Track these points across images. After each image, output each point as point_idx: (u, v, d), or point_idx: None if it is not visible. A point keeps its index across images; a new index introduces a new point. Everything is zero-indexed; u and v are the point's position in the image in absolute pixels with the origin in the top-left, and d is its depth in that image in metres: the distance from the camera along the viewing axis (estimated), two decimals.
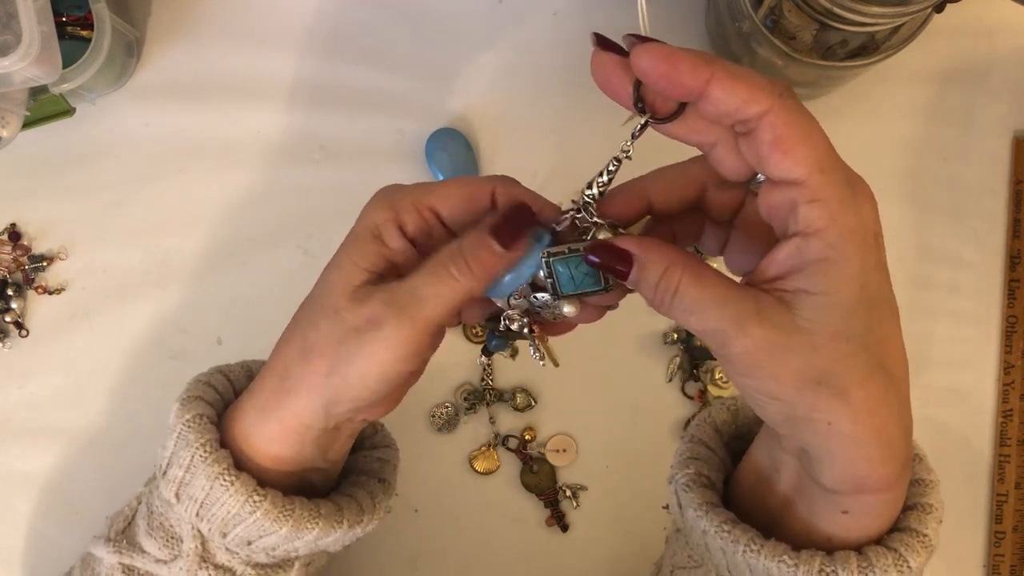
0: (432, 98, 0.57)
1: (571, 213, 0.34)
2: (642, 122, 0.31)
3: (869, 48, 0.50)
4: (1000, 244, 0.57)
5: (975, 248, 0.57)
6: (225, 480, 0.37)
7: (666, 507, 0.39)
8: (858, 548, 0.33)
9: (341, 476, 0.43)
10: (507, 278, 0.35)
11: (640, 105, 0.30)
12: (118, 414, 0.56)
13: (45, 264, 0.56)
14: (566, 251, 0.33)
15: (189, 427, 0.38)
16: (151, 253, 0.57)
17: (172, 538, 0.39)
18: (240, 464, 0.38)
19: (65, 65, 0.49)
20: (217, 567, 0.39)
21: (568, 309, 0.34)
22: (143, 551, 0.40)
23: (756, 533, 0.34)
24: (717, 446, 0.39)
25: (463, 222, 0.36)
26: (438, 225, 0.36)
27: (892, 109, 0.58)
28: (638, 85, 0.30)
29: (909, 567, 0.33)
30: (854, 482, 0.31)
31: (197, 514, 0.38)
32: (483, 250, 0.34)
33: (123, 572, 0.40)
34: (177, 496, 0.38)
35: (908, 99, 0.58)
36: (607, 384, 0.56)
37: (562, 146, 0.57)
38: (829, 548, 0.33)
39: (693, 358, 0.56)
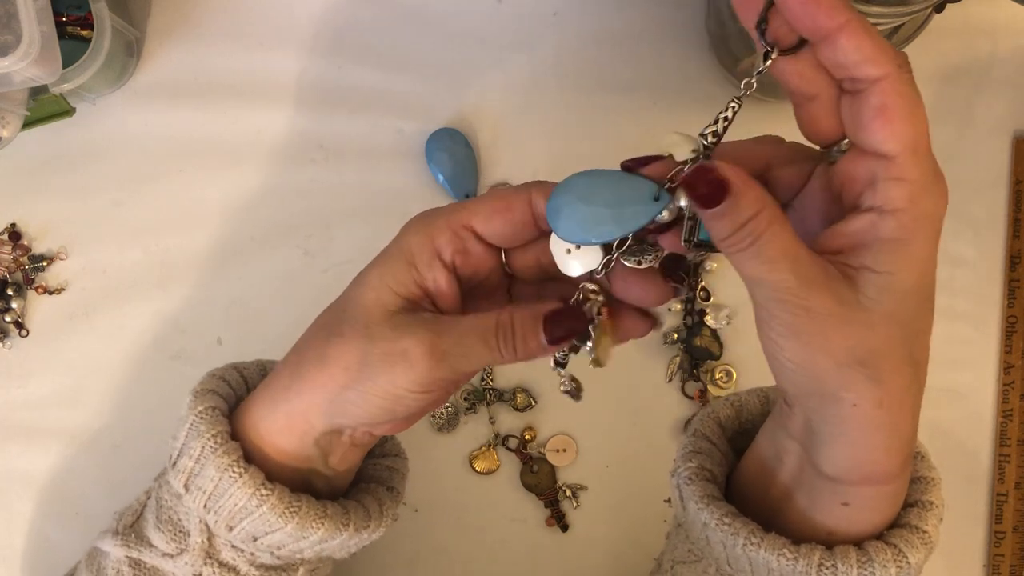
0: (432, 98, 0.57)
1: (690, 165, 0.32)
2: (762, 55, 0.30)
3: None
4: (1000, 244, 0.57)
5: (975, 248, 0.57)
6: (234, 472, 0.37)
7: (667, 501, 0.40)
8: (858, 543, 0.33)
9: (350, 484, 0.43)
10: (609, 228, 0.33)
11: (762, 28, 0.29)
12: (118, 414, 0.56)
13: (45, 264, 0.56)
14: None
15: (201, 418, 0.38)
16: (151, 253, 0.57)
17: (180, 531, 0.40)
18: (249, 457, 0.38)
19: (65, 65, 0.49)
20: (222, 565, 0.39)
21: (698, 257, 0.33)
22: (151, 545, 0.40)
23: (756, 526, 0.34)
24: (720, 441, 0.39)
25: (503, 235, 0.36)
26: (476, 243, 0.36)
27: None
28: (770, 5, 0.29)
29: (908, 563, 0.33)
30: (859, 470, 0.32)
31: (205, 505, 0.38)
32: (531, 339, 0.34)
33: (130, 566, 0.40)
34: (186, 487, 0.38)
35: None
36: (607, 384, 0.56)
37: (562, 146, 0.57)
38: (829, 542, 0.33)
39: (693, 358, 0.56)
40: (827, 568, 0.32)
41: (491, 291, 0.38)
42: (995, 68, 0.58)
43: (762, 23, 0.29)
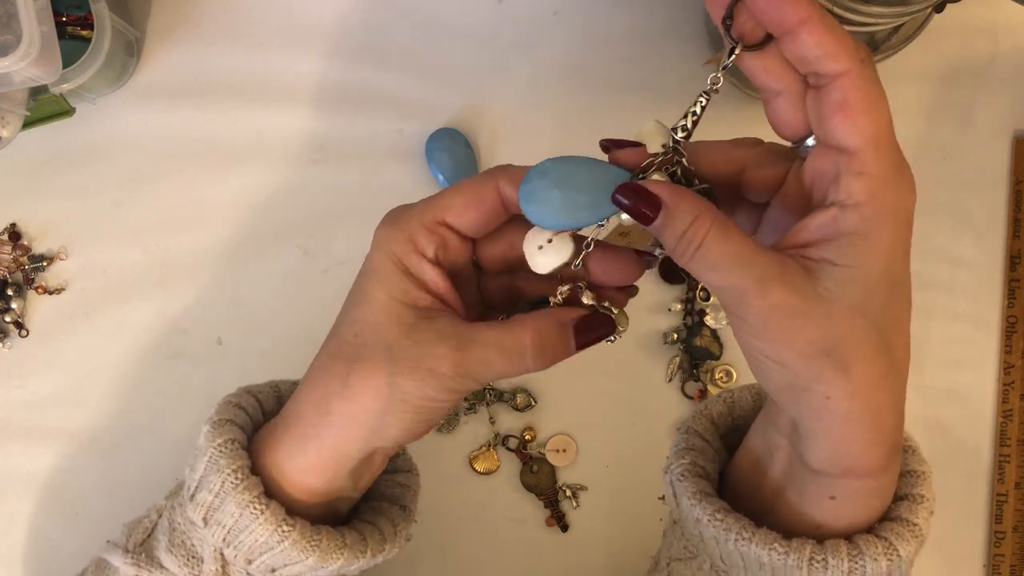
0: (432, 98, 0.57)
1: (660, 158, 0.33)
2: (728, 50, 0.31)
3: (869, 48, 0.50)
4: (1000, 244, 0.57)
5: (975, 248, 0.57)
6: (256, 509, 0.37)
7: (662, 498, 0.40)
8: (848, 537, 0.33)
9: (361, 500, 0.43)
10: (583, 215, 0.33)
11: (727, 25, 0.30)
12: (118, 414, 0.56)
13: (45, 264, 0.56)
14: None
15: (221, 452, 0.38)
16: (151, 253, 0.57)
17: (193, 557, 0.39)
18: (270, 492, 0.38)
19: (65, 65, 0.49)
20: None
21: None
22: (162, 566, 0.40)
23: (748, 522, 0.34)
24: (712, 438, 0.40)
25: (477, 225, 0.36)
26: (453, 237, 0.36)
27: (892, 109, 0.58)
28: (735, 1, 0.30)
29: (899, 556, 0.33)
30: (841, 463, 0.32)
31: (224, 539, 0.38)
32: (561, 350, 0.35)
33: None
34: (205, 520, 0.38)
35: (908, 99, 0.58)
36: (607, 384, 0.56)
37: (562, 146, 0.57)
38: (819, 537, 0.33)
39: (693, 358, 0.56)
40: (818, 561, 0.32)
41: (464, 283, 0.38)
42: (995, 68, 0.58)
43: (727, 19, 0.30)
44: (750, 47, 0.30)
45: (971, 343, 0.57)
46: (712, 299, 0.56)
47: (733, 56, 0.31)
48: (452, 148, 0.56)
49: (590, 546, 0.56)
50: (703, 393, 0.56)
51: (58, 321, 0.56)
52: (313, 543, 0.37)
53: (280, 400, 0.42)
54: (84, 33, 0.51)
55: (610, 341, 0.36)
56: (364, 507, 0.43)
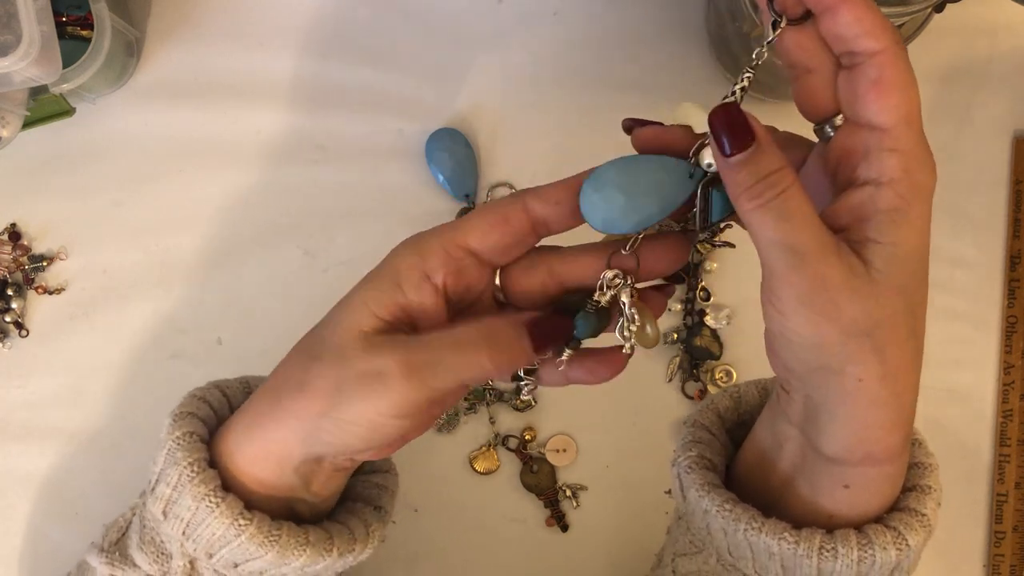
0: (432, 98, 0.57)
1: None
2: (771, 23, 0.31)
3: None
4: (1000, 244, 0.57)
5: (975, 248, 0.57)
6: (211, 502, 0.36)
7: (668, 492, 0.40)
8: (858, 526, 0.33)
9: (338, 501, 0.42)
10: (651, 212, 0.32)
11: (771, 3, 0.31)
12: (118, 414, 0.56)
13: (45, 264, 0.56)
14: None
15: (179, 444, 0.37)
16: (151, 253, 0.57)
17: (162, 554, 0.39)
18: (228, 485, 0.37)
19: (65, 65, 0.49)
20: None
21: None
22: (134, 565, 0.39)
23: (757, 512, 0.34)
24: (719, 432, 0.40)
25: (501, 248, 0.34)
26: (471, 261, 0.35)
27: None
28: None
29: (908, 545, 0.33)
30: (860, 448, 0.32)
31: (183, 533, 0.37)
32: (516, 348, 0.34)
33: None
34: (164, 514, 0.37)
35: None
36: (607, 384, 0.56)
37: (562, 146, 0.57)
38: (829, 526, 0.34)
39: (693, 358, 0.56)
40: (828, 551, 0.33)
41: (480, 312, 0.37)
42: (995, 68, 0.58)
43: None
44: (792, 22, 0.31)
45: (971, 343, 0.57)
46: (712, 299, 0.56)
47: (778, 31, 0.31)
48: (452, 148, 0.56)
49: (590, 546, 0.56)
50: (703, 393, 0.56)
51: (58, 321, 0.56)
52: (272, 538, 0.36)
53: (249, 395, 0.41)
54: (84, 33, 0.51)
55: (646, 346, 0.35)
56: (339, 508, 0.42)
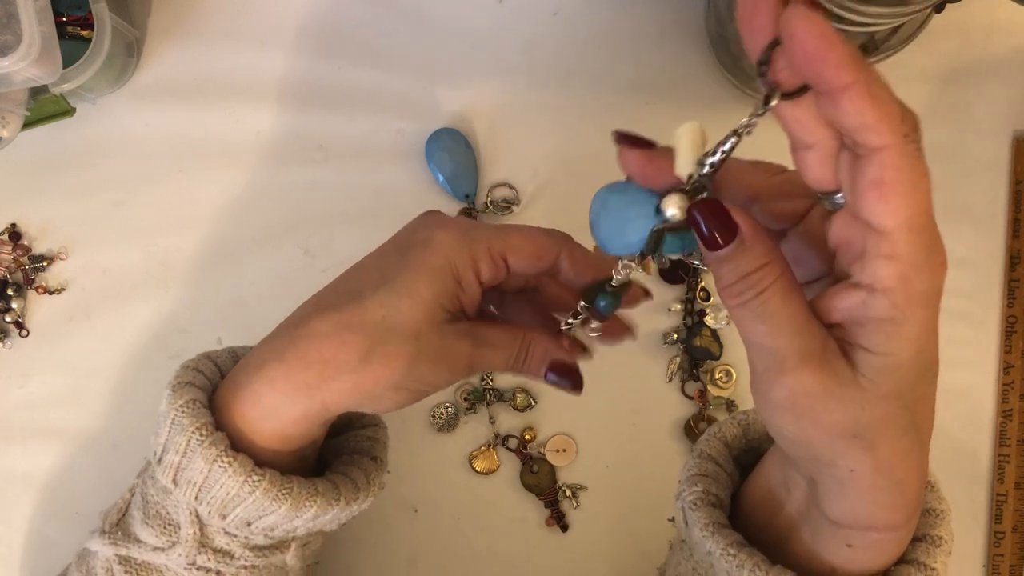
0: (432, 98, 0.57)
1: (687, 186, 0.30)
2: (764, 97, 0.27)
3: (869, 48, 0.50)
4: (1000, 244, 0.57)
5: (975, 248, 0.57)
6: (224, 461, 0.37)
7: (671, 520, 0.39)
8: None
9: (332, 456, 0.44)
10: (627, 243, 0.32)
11: (763, 67, 0.27)
12: (118, 414, 0.56)
13: (45, 264, 0.56)
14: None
15: (183, 412, 0.38)
16: (151, 253, 0.57)
17: (169, 525, 0.40)
18: (235, 445, 0.38)
19: (65, 65, 0.49)
20: (216, 551, 0.40)
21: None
22: (139, 540, 0.40)
23: (762, 558, 0.33)
24: (726, 462, 0.39)
25: (527, 273, 0.40)
26: (504, 268, 0.39)
27: None
28: (774, 44, 0.26)
29: None
30: (860, 522, 0.31)
31: (196, 497, 0.38)
32: (535, 369, 0.41)
33: (120, 563, 0.40)
34: (175, 481, 0.38)
35: (908, 99, 0.57)
36: (607, 384, 0.56)
37: (562, 146, 0.57)
38: None
39: (693, 358, 0.56)
40: None
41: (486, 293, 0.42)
42: (995, 68, 0.58)
43: (763, 63, 0.27)
44: (787, 95, 0.27)
45: (971, 343, 0.57)
46: (712, 299, 0.56)
47: (768, 106, 0.27)
48: (452, 148, 0.56)
49: (590, 546, 0.56)
50: (703, 393, 0.56)
51: (58, 321, 0.56)
52: (284, 491, 0.38)
53: (236, 363, 0.43)
54: (84, 33, 0.51)
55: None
56: (335, 461, 0.44)
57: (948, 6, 0.45)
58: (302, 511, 0.38)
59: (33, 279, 0.56)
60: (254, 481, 0.37)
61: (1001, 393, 0.56)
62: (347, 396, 0.38)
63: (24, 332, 0.56)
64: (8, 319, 0.56)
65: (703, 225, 0.28)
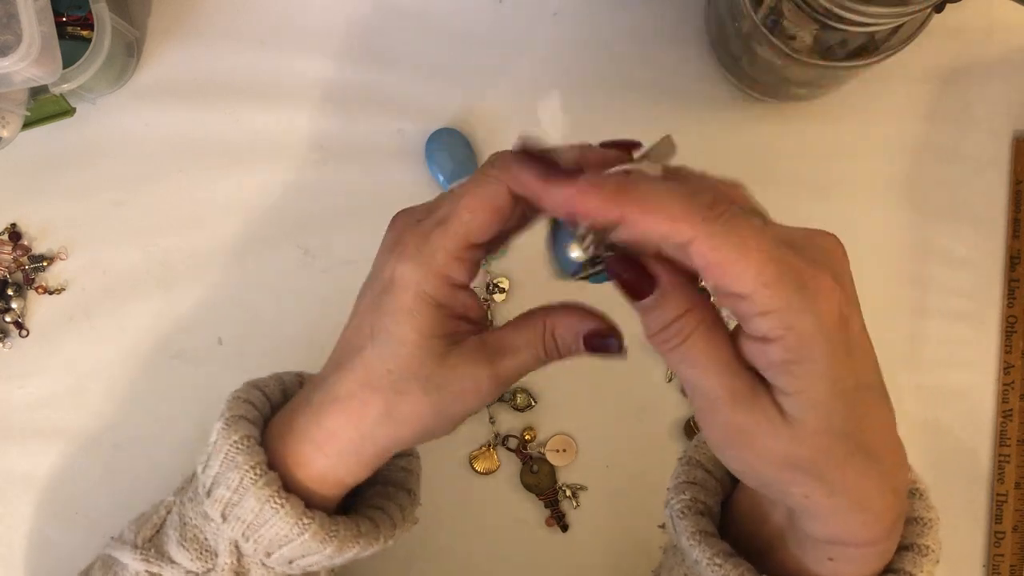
0: (432, 98, 0.57)
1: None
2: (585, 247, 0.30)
3: (869, 48, 0.50)
4: (1000, 244, 0.57)
5: (975, 248, 0.57)
6: (276, 503, 0.37)
7: (662, 526, 0.39)
8: None
9: (367, 484, 0.43)
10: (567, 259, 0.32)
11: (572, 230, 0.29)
12: (118, 414, 0.56)
13: (45, 264, 0.56)
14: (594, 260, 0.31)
15: (238, 449, 0.38)
16: (151, 253, 0.57)
17: (206, 551, 0.39)
18: (287, 486, 0.38)
19: (65, 65, 0.49)
20: None
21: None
22: (172, 561, 0.40)
23: (748, 568, 0.33)
24: (715, 467, 0.39)
25: (496, 232, 0.35)
26: (479, 251, 0.35)
27: (892, 109, 0.58)
28: (546, 170, 0.29)
29: None
30: (835, 539, 0.31)
31: (243, 534, 0.38)
32: (573, 349, 0.37)
33: None
34: (223, 516, 0.38)
35: (908, 99, 0.58)
36: (607, 384, 0.56)
37: None
38: None
39: None
40: None
41: None
42: (995, 68, 0.58)
43: (581, 236, 0.30)
44: (598, 233, 0.29)
45: (970, 343, 0.57)
46: (712, 299, 0.56)
47: (594, 270, 0.30)
48: (452, 148, 0.56)
49: (590, 546, 0.56)
50: None
51: (58, 321, 0.56)
52: (331, 534, 0.38)
53: (285, 392, 0.42)
54: (84, 33, 0.51)
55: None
56: (370, 492, 0.43)
57: (948, 6, 0.45)
58: (345, 552, 0.38)
59: (33, 279, 0.56)
60: (304, 524, 0.37)
61: (1001, 393, 0.56)
62: (390, 443, 0.37)
63: (24, 332, 0.56)
64: (8, 319, 0.56)
65: (622, 277, 0.30)
